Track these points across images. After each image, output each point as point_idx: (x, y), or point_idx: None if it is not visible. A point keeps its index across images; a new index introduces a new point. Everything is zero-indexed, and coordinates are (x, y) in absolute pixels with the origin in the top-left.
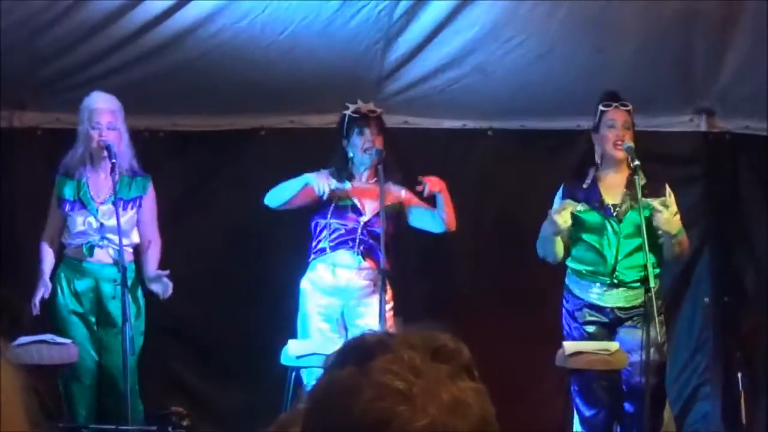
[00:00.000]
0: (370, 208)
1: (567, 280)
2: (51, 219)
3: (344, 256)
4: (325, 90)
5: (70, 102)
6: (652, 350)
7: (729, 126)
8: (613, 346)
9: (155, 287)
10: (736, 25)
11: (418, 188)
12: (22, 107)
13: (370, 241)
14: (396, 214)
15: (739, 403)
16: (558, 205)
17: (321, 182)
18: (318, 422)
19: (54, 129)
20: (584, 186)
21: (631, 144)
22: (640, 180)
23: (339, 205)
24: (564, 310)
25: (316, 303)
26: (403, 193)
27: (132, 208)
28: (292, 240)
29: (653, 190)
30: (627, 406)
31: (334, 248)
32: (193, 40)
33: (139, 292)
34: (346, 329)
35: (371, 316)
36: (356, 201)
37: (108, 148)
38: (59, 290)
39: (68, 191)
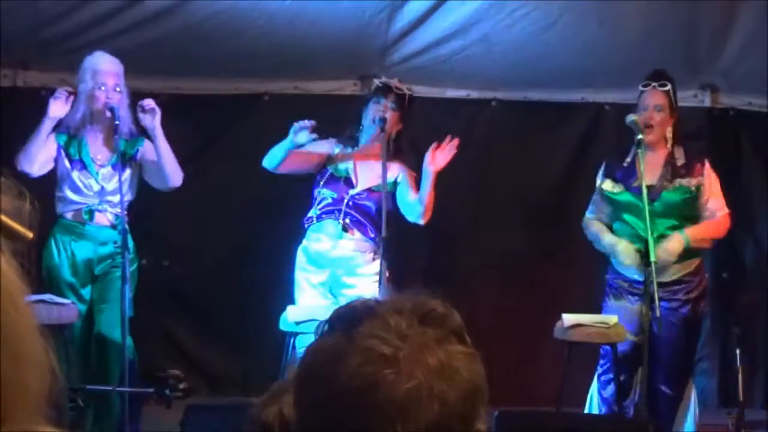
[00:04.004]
0: (363, 181)
1: (612, 260)
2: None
3: (329, 226)
4: (329, 57)
5: (74, 63)
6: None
7: (733, 102)
8: (612, 319)
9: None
10: (741, 2)
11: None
12: (25, 67)
13: (356, 214)
14: (393, 192)
15: (737, 378)
16: (621, 247)
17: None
18: (307, 389)
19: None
20: (624, 164)
21: (634, 118)
22: (644, 153)
23: (334, 174)
24: (607, 285)
25: (304, 269)
26: (401, 176)
27: (129, 167)
28: (293, 205)
29: (690, 170)
30: (657, 383)
31: (319, 217)
32: (199, 3)
33: (132, 252)
34: (336, 299)
35: (358, 288)
36: (351, 173)
37: (112, 110)
38: (55, 253)
39: (70, 148)
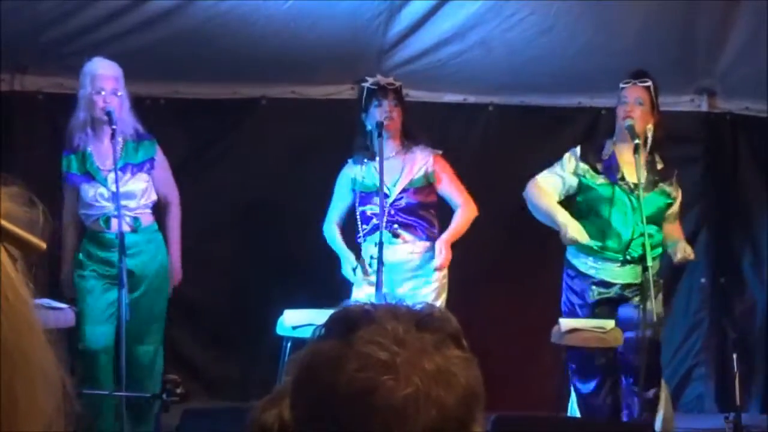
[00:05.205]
0: (394, 186)
1: (568, 255)
2: (66, 199)
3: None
4: (326, 61)
5: (72, 67)
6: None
7: (729, 106)
8: (609, 324)
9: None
10: (738, 6)
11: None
12: (23, 70)
13: (401, 219)
14: (428, 185)
15: (734, 383)
16: (573, 230)
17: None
18: (303, 393)
19: (55, 93)
20: (603, 157)
21: (631, 122)
22: (641, 159)
23: (365, 191)
24: (565, 286)
25: (366, 280)
26: (431, 163)
27: (142, 171)
28: (290, 208)
29: (666, 175)
30: (623, 382)
31: (370, 232)
32: (196, 7)
33: (163, 252)
34: None
35: (420, 288)
36: (379, 183)
37: (109, 114)
38: (81, 262)
39: (74, 165)
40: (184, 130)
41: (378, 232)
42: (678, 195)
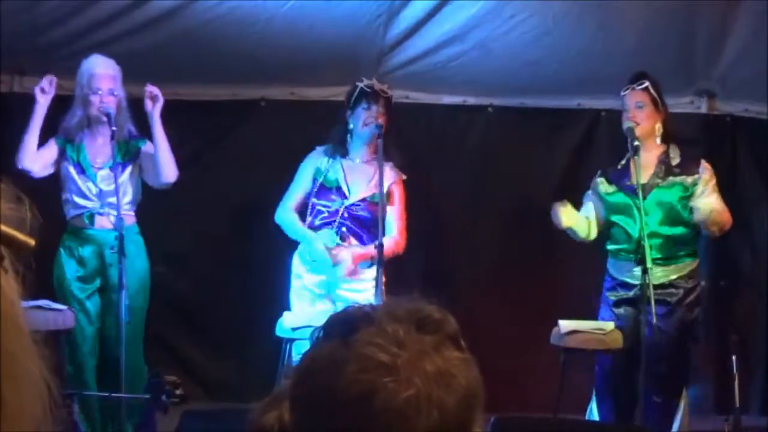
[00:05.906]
0: (356, 191)
1: (607, 263)
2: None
3: (326, 234)
4: (326, 63)
5: (71, 68)
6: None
7: (729, 108)
8: (608, 326)
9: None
10: (738, 8)
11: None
12: (22, 72)
13: (351, 225)
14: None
15: (733, 386)
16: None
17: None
18: (304, 396)
19: (54, 95)
20: (618, 167)
21: (630, 125)
22: (638, 159)
23: (325, 185)
24: (603, 290)
25: (300, 276)
26: (394, 187)
27: (129, 167)
28: None
29: (686, 168)
30: (648, 392)
31: (317, 228)
32: (196, 9)
33: (143, 253)
34: (333, 304)
35: (356, 293)
36: (342, 182)
37: (108, 115)
38: (62, 258)
39: (70, 152)
40: (184, 131)
41: (324, 230)
42: (703, 177)
